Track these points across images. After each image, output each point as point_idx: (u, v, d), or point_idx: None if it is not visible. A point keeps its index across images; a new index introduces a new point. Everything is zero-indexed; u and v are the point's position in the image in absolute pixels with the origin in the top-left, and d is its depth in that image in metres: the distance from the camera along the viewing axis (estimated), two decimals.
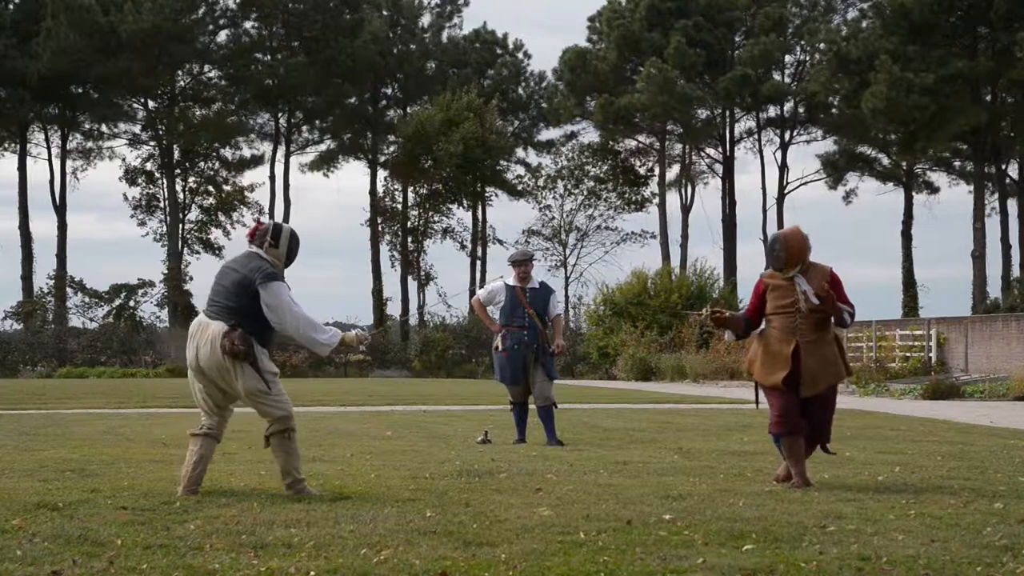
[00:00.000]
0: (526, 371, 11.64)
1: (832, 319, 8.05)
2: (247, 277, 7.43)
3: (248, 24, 55.10)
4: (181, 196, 55.09)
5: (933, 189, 54.67)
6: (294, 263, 7.77)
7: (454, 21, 59.30)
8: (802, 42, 53.43)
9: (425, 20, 58.89)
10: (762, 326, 8.24)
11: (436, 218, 57.17)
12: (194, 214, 56.12)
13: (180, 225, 54.64)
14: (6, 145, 54.47)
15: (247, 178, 57.69)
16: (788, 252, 7.98)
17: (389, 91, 59.69)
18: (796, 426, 7.98)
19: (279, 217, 55.14)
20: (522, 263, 11.89)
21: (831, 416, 8.18)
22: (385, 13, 56.86)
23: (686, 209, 56.20)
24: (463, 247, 57.31)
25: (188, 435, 7.66)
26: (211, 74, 56.11)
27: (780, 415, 7.97)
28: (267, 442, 7.54)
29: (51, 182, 54.36)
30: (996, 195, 51.85)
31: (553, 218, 57.86)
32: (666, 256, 54.31)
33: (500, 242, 57.93)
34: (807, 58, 54.24)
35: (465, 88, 54.34)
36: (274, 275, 7.44)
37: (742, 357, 34.28)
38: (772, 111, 55.99)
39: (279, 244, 7.62)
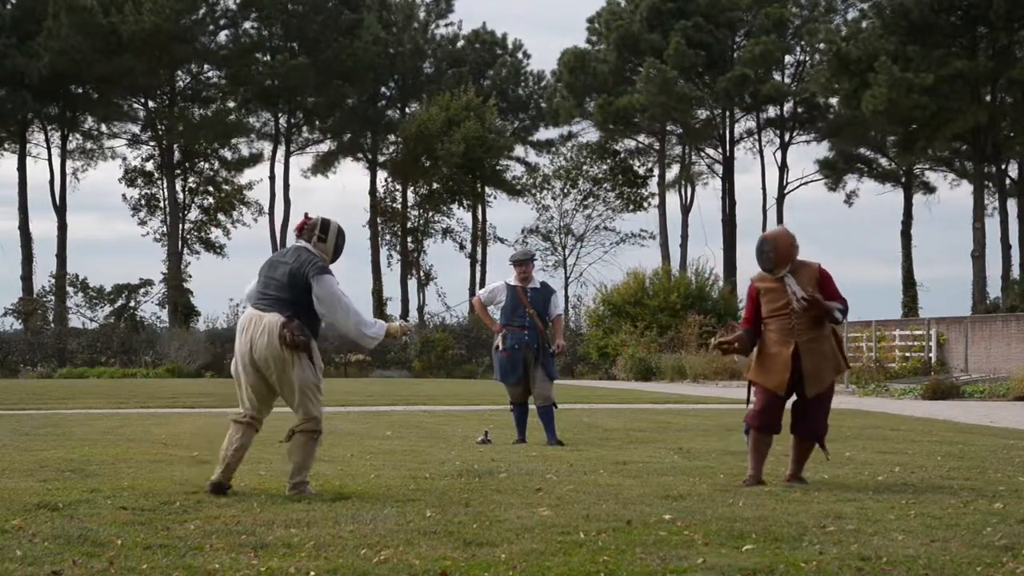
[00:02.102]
0: (526, 371, 11.64)
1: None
2: (300, 270, 7.48)
3: (248, 24, 55.15)
4: (181, 196, 55.10)
5: (931, 189, 54.72)
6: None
7: (449, 20, 59.37)
8: (802, 42, 53.43)
9: (418, 20, 58.87)
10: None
11: (436, 218, 57.20)
12: (194, 214, 56.15)
13: (180, 225, 54.64)
14: (6, 145, 54.48)
15: (247, 177, 57.64)
16: (776, 252, 8.02)
17: (388, 91, 59.71)
18: (772, 425, 8.11)
19: (279, 217, 55.23)
20: (523, 263, 11.90)
21: (826, 413, 8.21)
22: (383, 14, 56.82)
23: (686, 209, 56.22)
24: (462, 248, 57.36)
25: (230, 421, 7.74)
26: (211, 74, 56.18)
27: (761, 410, 8.09)
28: (290, 436, 7.52)
29: (51, 182, 54.42)
30: (996, 195, 51.85)
31: (552, 218, 57.93)
32: (666, 256, 54.32)
33: (501, 240, 58.00)
34: (807, 58, 54.26)
35: (463, 88, 54.34)
36: (326, 268, 7.55)
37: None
38: (772, 111, 56.03)
39: (327, 239, 7.74)
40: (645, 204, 58.23)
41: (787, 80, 54.92)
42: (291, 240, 7.89)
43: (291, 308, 7.41)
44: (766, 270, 8.10)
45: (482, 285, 48.75)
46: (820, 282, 8.03)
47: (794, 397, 8.20)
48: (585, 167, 57.92)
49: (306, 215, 7.86)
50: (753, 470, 8.08)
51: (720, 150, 57.09)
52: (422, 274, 56.58)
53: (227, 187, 56.44)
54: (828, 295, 8.01)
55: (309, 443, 7.48)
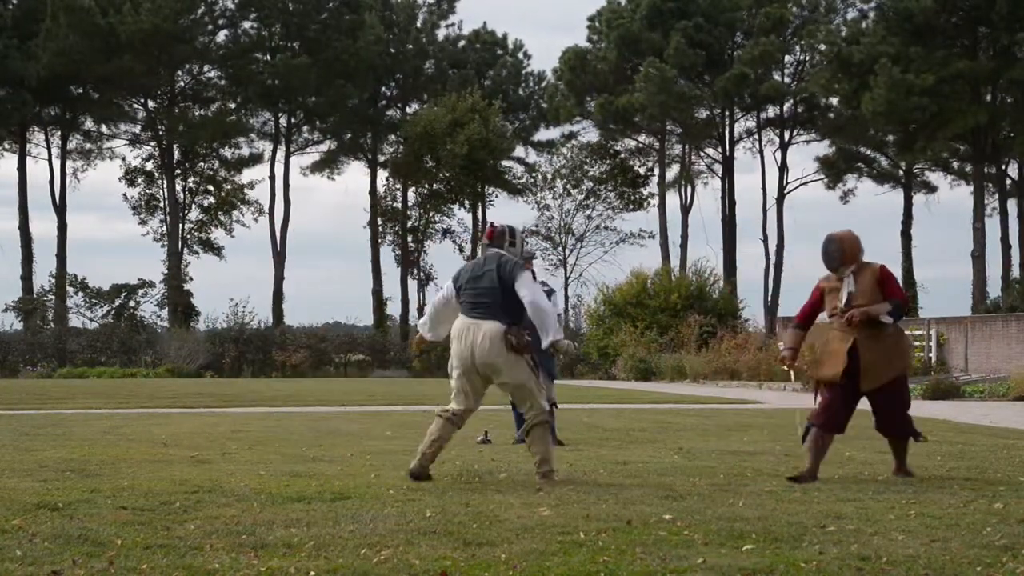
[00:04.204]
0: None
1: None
2: (504, 273, 8.05)
3: (247, 24, 55.17)
4: (181, 196, 55.11)
5: (931, 189, 54.74)
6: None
7: (450, 20, 59.37)
8: (802, 42, 53.42)
9: (420, 19, 58.89)
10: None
11: (437, 218, 57.20)
12: (194, 214, 56.17)
13: (180, 225, 54.65)
14: (6, 145, 54.51)
15: (247, 177, 57.69)
16: (842, 252, 8.22)
17: (389, 91, 59.70)
18: (834, 424, 8.22)
19: (279, 217, 55.27)
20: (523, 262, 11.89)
21: (902, 408, 8.33)
22: (385, 14, 56.82)
23: (686, 209, 56.23)
24: (461, 250, 57.34)
25: (435, 415, 8.32)
26: (211, 74, 56.20)
27: (824, 408, 8.22)
28: (526, 435, 8.16)
29: (51, 182, 54.48)
30: (996, 195, 51.87)
31: (552, 218, 57.93)
32: (666, 256, 54.35)
33: None
34: (807, 58, 54.26)
35: (468, 90, 54.34)
36: (523, 266, 8.18)
37: (742, 358, 34.32)
38: (772, 111, 56.04)
39: (516, 242, 8.33)
40: (645, 204, 58.28)
41: (787, 80, 54.92)
42: (482, 250, 8.47)
43: (507, 315, 8.03)
44: (831, 269, 8.29)
45: None
46: (880, 282, 8.19)
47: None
48: (585, 166, 57.94)
49: (492, 224, 8.46)
50: (810, 466, 8.19)
51: (720, 150, 57.11)
52: (422, 274, 56.61)
53: (227, 187, 56.46)
54: (887, 293, 8.16)
55: (544, 433, 8.08)
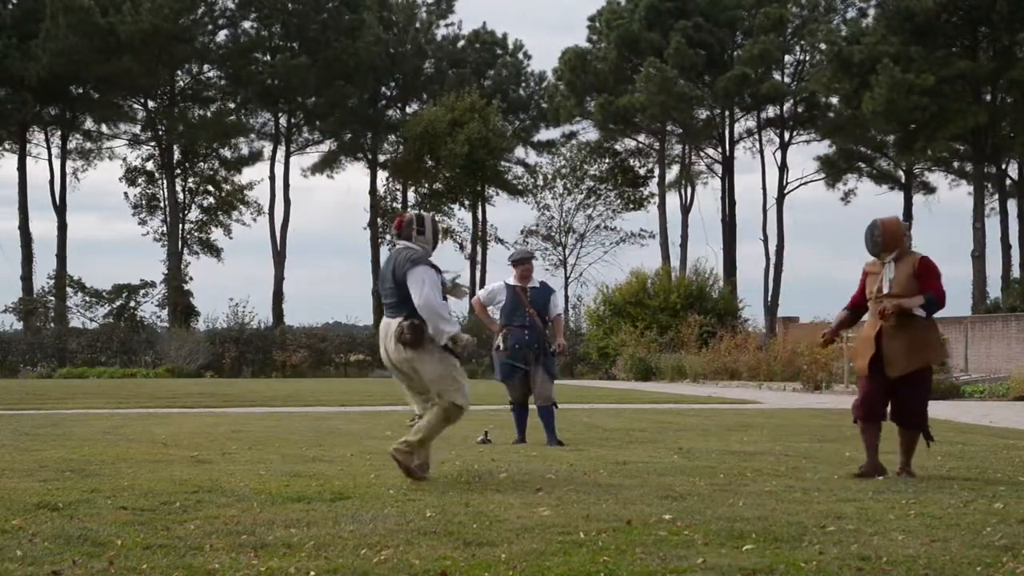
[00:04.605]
0: (527, 370, 11.64)
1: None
2: (397, 269, 7.93)
3: (247, 24, 55.17)
4: (181, 196, 55.10)
5: (931, 189, 54.71)
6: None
7: (449, 20, 59.36)
8: (802, 42, 53.42)
9: (419, 19, 58.88)
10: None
11: (437, 218, 57.12)
12: (194, 214, 56.17)
13: (180, 225, 54.65)
14: (6, 145, 54.50)
15: (246, 177, 57.67)
16: (884, 237, 8.30)
17: (388, 91, 59.69)
18: (873, 412, 8.32)
19: (279, 218, 55.27)
20: (523, 263, 11.91)
21: (921, 400, 8.37)
22: (384, 14, 56.81)
23: (686, 209, 56.23)
24: (462, 248, 57.35)
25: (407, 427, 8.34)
26: (211, 74, 56.20)
27: (861, 399, 8.38)
28: (416, 421, 8.06)
29: (51, 182, 54.47)
30: (996, 195, 51.85)
31: (552, 218, 57.91)
32: (666, 256, 54.36)
33: (501, 242, 57.97)
34: (807, 58, 54.26)
35: (467, 89, 54.33)
36: (418, 260, 7.95)
37: (742, 358, 34.32)
38: (772, 111, 56.02)
39: (425, 231, 8.17)
40: (645, 204, 58.28)
41: (787, 80, 54.91)
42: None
43: (406, 308, 7.85)
44: (873, 254, 8.38)
45: (482, 286, 48.69)
46: (918, 274, 8.23)
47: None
48: (585, 166, 57.92)
49: (400, 214, 8.36)
50: (868, 459, 8.33)
51: (720, 150, 57.11)
52: None
53: (227, 187, 56.45)
54: (923, 286, 8.20)
55: (439, 425, 7.96)
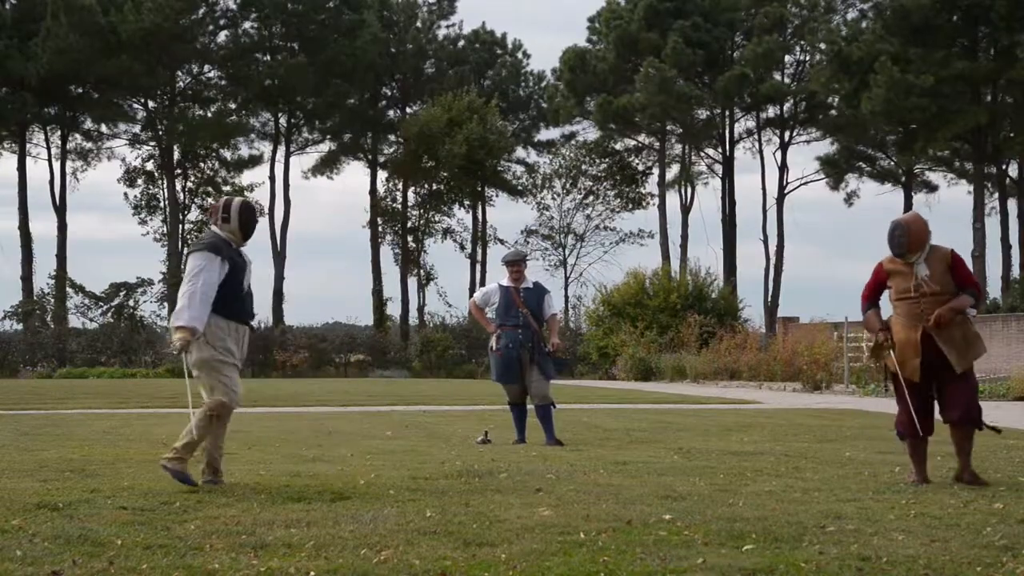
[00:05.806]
0: (522, 370, 11.65)
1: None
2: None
3: (248, 24, 55.14)
4: (181, 196, 55.11)
5: (932, 188, 54.72)
6: (251, 239, 7.94)
7: (449, 20, 59.38)
8: (802, 42, 53.43)
9: (419, 19, 58.90)
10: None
11: (437, 218, 57.19)
12: (194, 214, 56.15)
13: (180, 225, 54.66)
14: (6, 145, 54.49)
15: (246, 178, 57.71)
16: (909, 238, 7.99)
17: (389, 91, 59.70)
18: (927, 427, 8.00)
19: (279, 218, 55.28)
20: (515, 263, 11.94)
21: (975, 391, 8.03)
22: (385, 14, 56.83)
23: (686, 209, 56.24)
24: (462, 248, 57.34)
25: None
26: (211, 74, 56.17)
27: (908, 415, 7.99)
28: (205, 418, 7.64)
29: (51, 182, 54.45)
30: (996, 195, 51.85)
31: (552, 218, 57.93)
32: (666, 256, 54.35)
33: (501, 242, 58.00)
34: (807, 58, 54.26)
35: (465, 88, 54.34)
36: (200, 247, 7.63)
37: (742, 358, 34.31)
38: (772, 111, 56.03)
39: (231, 218, 7.76)
40: (644, 203, 58.29)
41: (787, 79, 54.91)
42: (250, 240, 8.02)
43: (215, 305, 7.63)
44: (898, 255, 8.05)
45: (482, 285, 48.77)
46: (952, 267, 7.97)
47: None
48: (584, 166, 57.93)
49: (214, 201, 8.12)
50: (917, 471, 8.04)
51: (720, 150, 57.11)
52: (422, 274, 56.58)
53: (227, 187, 56.44)
54: (959, 280, 7.95)
55: (208, 425, 7.60)
